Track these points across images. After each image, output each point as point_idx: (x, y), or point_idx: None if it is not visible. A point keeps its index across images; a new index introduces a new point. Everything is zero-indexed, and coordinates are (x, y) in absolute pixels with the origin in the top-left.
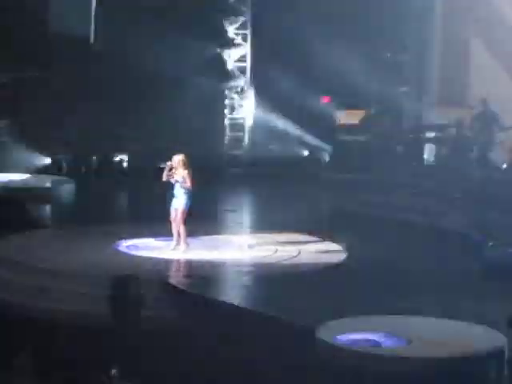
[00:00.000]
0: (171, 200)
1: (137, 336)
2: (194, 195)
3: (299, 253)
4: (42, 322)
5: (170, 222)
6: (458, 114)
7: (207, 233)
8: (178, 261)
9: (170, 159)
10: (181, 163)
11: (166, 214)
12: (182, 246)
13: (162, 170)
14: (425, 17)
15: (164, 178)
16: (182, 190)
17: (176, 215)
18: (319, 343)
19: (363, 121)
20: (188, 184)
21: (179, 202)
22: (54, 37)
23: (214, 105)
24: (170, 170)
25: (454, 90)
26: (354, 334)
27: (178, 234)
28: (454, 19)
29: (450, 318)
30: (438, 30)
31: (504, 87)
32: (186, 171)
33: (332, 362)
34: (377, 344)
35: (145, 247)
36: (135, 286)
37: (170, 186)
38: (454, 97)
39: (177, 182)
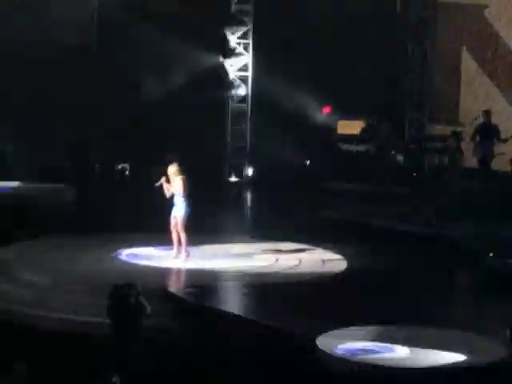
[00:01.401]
0: (171, 209)
1: (137, 344)
2: (192, 204)
3: (300, 262)
4: (41, 331)
5: (170, 231)
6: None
7: (208, 242)
8: (177, 270)
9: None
10: (176, 172)
11: (166, 223)
12: (183, 254)
13: (159, 185)
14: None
15: (168, 195)
16: (181, 199)
17: (176, 224)
18: (319, 353)
19: (363, 131)
20: (182, 191)
21: (178, 211)
22: (52, 40)
23: (216, 114)
24: (168, 182)
25: (446, 105)
26: (354, 344)
27: (179, 243)
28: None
29: (451, 327)
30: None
31: (494, 103)
32: (180, 178)
33: (332, 372)
34: (377, 354)
35: (145, 256)
36: (135, 294)
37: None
38: (447, 111)
39: (175, 191)
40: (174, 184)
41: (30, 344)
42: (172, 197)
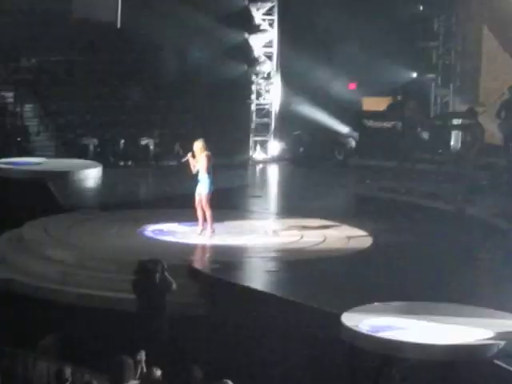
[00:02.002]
0: (196, 186)
1: (162, 320)
2: (217, 180)
3: (325, 238)
4: (66, 306)
5: (195, 208)
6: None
7: (233, 218)
8: (203, 246)
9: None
10: (201, 149)
11: (192, 199)
12: (208, 231)
13: (184, 160)
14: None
15: (194, 171)
16: (206, 176)
17: (200, 200)
18: (344, 329)
19: (390, 107)
20: (208, 167)
21: (203, 187)
22: (79, 22)
23: (241, 90)
24: (193, 157)
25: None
26: (379, 320)
27: (204, 219)
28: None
29: (475, 304)
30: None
31: None
32: (205, 155)
33: (357, 347)
34: (401, 330)
35: (170, 232)
36: (161, 270)
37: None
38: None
39: (199, 168)
40: (199, 160)
41: (55, 319)
42: (197, 173)
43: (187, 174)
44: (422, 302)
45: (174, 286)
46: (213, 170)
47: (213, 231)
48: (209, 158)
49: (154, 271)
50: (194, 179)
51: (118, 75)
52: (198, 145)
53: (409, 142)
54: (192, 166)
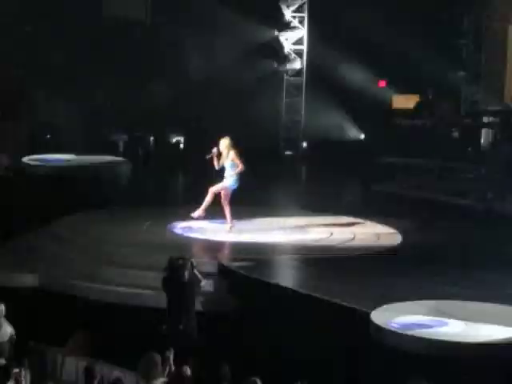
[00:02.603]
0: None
1: (191, 318)
2: (243, 177)
3: (354, 236)
4: (97, 302)
5: (222, 205)
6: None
7: (263, 215)
8: (231, 243)
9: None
10: (228, 147)
11: (218, 196)
12: (228, 226)
13: (210, 157)
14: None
15: (217, 167)
16: (231, 173)
17: (226, 196)
18: (374, 327)
19: (419, 105)
20: (239, 165)
21: (226, 184)
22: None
23: (271, 88)
24: (218, 155)
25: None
26: (409, 318)
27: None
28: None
29: (505, 302)
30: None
31: None
32: (233, 153)
33: (386, 345)
34: (431, 328)
35: (199, 229)
36: (190, 267)
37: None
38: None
39: (225, 165)
40: (224, 157)
41: (86, 316)
42: (223, 170)
43: (216, 172)
44: (451, 300)
45: (203, 283)
46: (237, 167)
47: (233, 226)
48: (234, 156)
49: (183, 268)
50: (219, 175)
51: (147, 72)
52: (225, 142)
53: (439, 140)
54: (215, 163)
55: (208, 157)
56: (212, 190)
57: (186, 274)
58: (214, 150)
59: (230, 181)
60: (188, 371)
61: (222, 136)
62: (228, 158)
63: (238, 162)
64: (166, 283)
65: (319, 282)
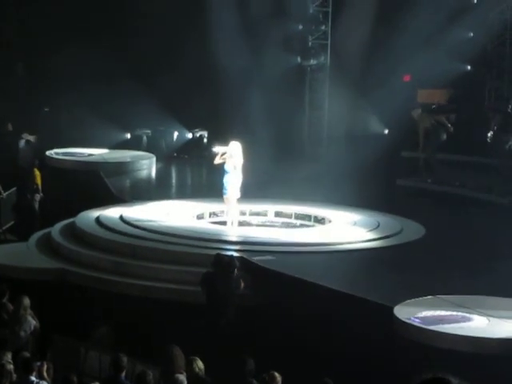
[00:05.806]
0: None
1: (229, 315)
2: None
3: (378, 227)
4: (120, 296)
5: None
6: None
7: (287, 208)
8: (254, 236)
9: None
10: (237, 150)
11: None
12: (229, 222)
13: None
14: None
15: (216, 162)
16: (234, 174)
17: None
18: (397, 322)
19: (450, 101)
20: (238, 170)
21: (230, 185)
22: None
23: (295, 82)
24: (223, 154)
25: None
26: (432, 313)
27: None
28: None
29: None
30: None
31: None
32: (238, 157)
33: (409, 340)
34: (454, 323)
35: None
36: (236, 267)
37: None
38: None
39: (230, 167)
40: (230, 158)
41: (111, 310)
42: (220, 168)
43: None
44: (474, 295)
45: (243, 285)
46: (235, 170)
47: (232, 224)
48: (240, 160)
49: (232, 267)
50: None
51: (170, 67)
52: (234, 146)
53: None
54: (217, 159)
55: (215, 150)
56: (228, 199)
57: (234, 272)
58: (222, 149)
59: (233, 185)
60: (201, 365)
61: (235, 139)
62: (233, 161)
63: (239, 167)
64: (207, 278)
65: (342, 276)
